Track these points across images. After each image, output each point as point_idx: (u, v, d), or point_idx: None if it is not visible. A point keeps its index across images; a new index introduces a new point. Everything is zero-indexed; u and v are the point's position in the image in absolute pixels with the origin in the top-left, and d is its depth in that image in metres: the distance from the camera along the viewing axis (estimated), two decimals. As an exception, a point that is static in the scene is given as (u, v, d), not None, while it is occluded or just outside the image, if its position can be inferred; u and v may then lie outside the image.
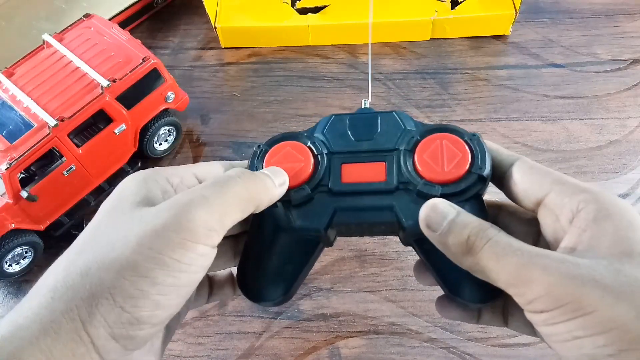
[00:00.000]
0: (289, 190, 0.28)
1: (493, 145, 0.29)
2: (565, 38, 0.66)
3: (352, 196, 0.28)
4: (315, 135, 0.30)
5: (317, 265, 0.51)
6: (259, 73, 0.65)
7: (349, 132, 0.30)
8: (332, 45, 0.66)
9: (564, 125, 0.59)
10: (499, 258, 0.23)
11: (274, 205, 0.28)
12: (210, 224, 0.24)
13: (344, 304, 0.49)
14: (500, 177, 0.28)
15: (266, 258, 0.29)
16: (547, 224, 0.26)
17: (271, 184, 0.27)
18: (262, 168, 0.29)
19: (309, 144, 0.30)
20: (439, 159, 0.27)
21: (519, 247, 0.23)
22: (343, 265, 0.51)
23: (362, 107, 0.32)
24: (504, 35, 0.66)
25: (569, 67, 0.63)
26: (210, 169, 0.29)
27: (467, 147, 0.27)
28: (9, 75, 0.52)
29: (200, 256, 0.24)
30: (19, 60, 0.53)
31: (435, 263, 0.28)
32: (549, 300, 0.22)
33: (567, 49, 0.65)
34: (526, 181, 0.26)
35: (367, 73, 0.64)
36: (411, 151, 0.28)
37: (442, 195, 0.26)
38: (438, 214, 0.25)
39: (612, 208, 0.24)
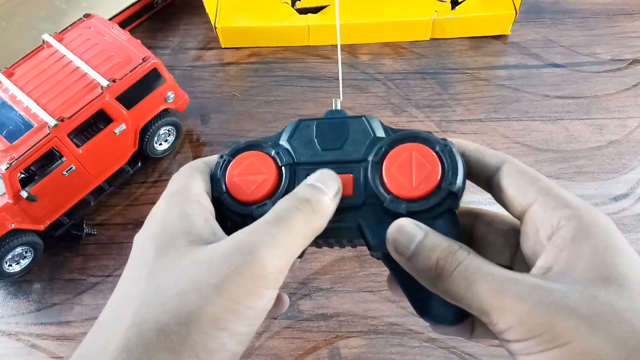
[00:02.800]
0: (251, 205, 0.27)
1: (474, 146, 0.27)
2: (565, 38, 0.66)
3: None
4: (280, 143, 0.28)
5: (317, 265, 0.51)
6: (259, 73, 0.65)
7: (316, 140, 0.28)
8: (332, 45, 0.66)
9: (564, 125, 0.59)
10: (469, 284, 0.22)
11: (239, 223, 0.26)
12: (280, 267, 0.23)
13: (344, 304, 0.49)
14: (488, 180, 0.26)
15: None
16: (528, 237, 0.25)
17: (327, 202, 0.25)
18: (225, 180, 0.28)
19: (272, 153, 0.28)
20: (407, 173, 0.26)
21: (490, 272, 0.22)
22: (343, 265, 0.51)
23: (333, 107, 0.30)
24: (504, 35, 0.66)
25: (569, 67, 0.63)
26: (206, 177, 0.28)
27: (437, 159, 0.26)
28: (9, 75, 0.52)
29: (270, 300, 0.23)
30: (19, 60, 0.53)
31: (403, 280, 0.26)
32: (522, 330, 0.21)
33: (567, 49, 0.65)
34: (513, 187, 0.25)
35: (366, 73, 0.64)
36: (379, 163, 0.27)
37: (410, 213, 0.25)
38: (405, 236, 0.24)
39: (593, 228, 0.22)
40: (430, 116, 0.60)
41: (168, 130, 0.58)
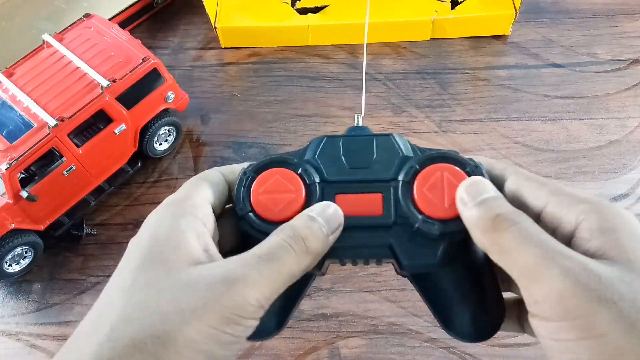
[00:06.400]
0: (279, 224, 0.26)
1: (485, 160, 0.27)
2: (565, 38, 0.66)
3: (348, 231, 0.26)
4: (306, 159, 0.28)
5: (317, 265, 0.51)
6: (259, 73, 0.65)
7: (343, 158, 0.28)
8: (332, 45, 0.66)
9: (564, 125, 0.59)
10: (520, 242, 0.22)
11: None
12: (262, 301, 0.23)
13: (344, 304, 0.49)
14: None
15: None
16: None
17: (322, 241, 0.25)
18: (250, 199, 0.27)
19: (299, 171, 0.27)
20: (439, 193, 0.26)
21: (545, 239, 0.22)
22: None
23: (355, 124, 0.30)
24: (504, 35, 0.66)
25: (569, 67, 0.63)
26: (217, 189, 0.27)
27: None
28: (9, 75, 0.52)
29: (248, 328, 0.24)
30: (19, 60, 0.53)
31: (431, 298, 0.27)
32: (558, 308, 0.20)
33: (567, 49, 0.65)
34: (523, 195, 0.25)
35: (364, 77, 0.64)
36: (410, 183, 0.26)
37: (442, 234, 0.25)
38: (476, 189, 0.24)
39: (617, 219, 0.22)
40: (430, 116, 0.60)
41: (168, 130, 0.58)
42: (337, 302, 0.49)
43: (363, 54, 0.66)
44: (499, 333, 0.47)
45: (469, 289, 0.26)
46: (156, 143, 0.57)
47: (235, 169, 0.29)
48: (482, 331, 0.26)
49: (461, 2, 0.65)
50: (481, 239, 0.24)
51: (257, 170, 0.27)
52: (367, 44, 0.66)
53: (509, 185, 0.26)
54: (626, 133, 0.58)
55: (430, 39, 0.66)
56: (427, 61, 0.65)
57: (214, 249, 0.25)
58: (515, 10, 0.63)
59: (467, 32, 0.66)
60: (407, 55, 0.65)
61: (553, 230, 0.24)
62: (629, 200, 0.54)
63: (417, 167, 0.26)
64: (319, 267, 0.27)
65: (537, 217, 0.24)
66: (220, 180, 0.28)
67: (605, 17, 0.67)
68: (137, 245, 0.25)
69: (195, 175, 0.28)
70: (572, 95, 0.61)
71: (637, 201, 0.54)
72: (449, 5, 0.65)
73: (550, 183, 0.25)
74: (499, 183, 0.26)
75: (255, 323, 0.24)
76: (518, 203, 0.25)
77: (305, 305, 0.49)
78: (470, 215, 0.24)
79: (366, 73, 0.64)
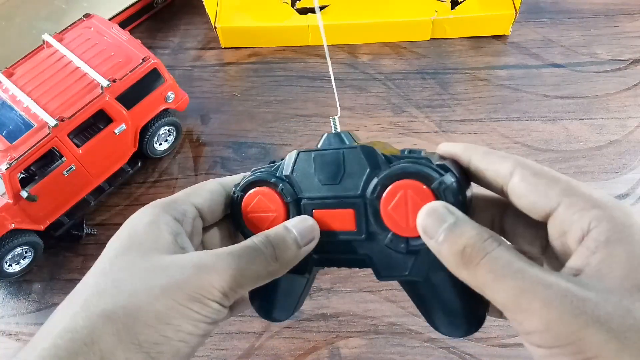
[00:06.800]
0: None
1: (482, 151, 0.26)
2: (565, 38, 0.66)
3: (326, 244, 0.28)
4: (284, 176, 0.29)
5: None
6: (259, 73, 0.65)
7: (316, 174, 0.28)
8: (332, 45, 0.66)
9: (564, 125, 0.59)
10: (496, 277, 0.21)
11: None
12: (225, 290, 0.25)
13: (344, 304, 0.49)
14: (502, 187, 0.25)
15: (272, 286, 0.30)
16: (555, 238, 0.23)
17: (292, 252, 0.27)
18: (242, 218, 0.30)
19: (279, 189, 0.29)
20: (402, 212, 0.26)
21: (520, 269, 0.21)
22: (343, 265, 0.51)
23: (333, 129, 0.30)
24: (504, 35, 0.66)
25: (569, 67, 0.63)
26: (210, 197, 0.30)
27: (433, 197, 0.25)
28: (9, 75, 0.52)
29: (215, 311, 0.26)
30: (19, 60, 0.53)
31: (416, 299, 0.28)
32: (548, 337, 0.20)
33: (567, 49, 0.65)
34: (531, 192, 0.23)
35: (366, 73, 0.64)
36: (376, 200, 0.26)
37: (410, 252, 0.26)
38: (435, 220, 0.23)
39: (628, 230, 0.21)
40: (430, 116, 0.60)
41: (168, 130, 0.58)
42: (337, 302, 0.49)
43: (363, 53, 0.66)
44: (499, 333, 0.47)
45: (448, 289, 0.26)
46: (156, 143, 0.57)
47: (237, 179, 0.31)
48: (467, 327, 0.26)
49: (461, 2, 0.65)
50: (457, 274, 0.23)
51: (244, 189, 0.30)
52: (366, 43, 0.66)
53: (514, 183, 0.24)
54: (626, 133, 0.58)
55: (430, 39, 0.66)
56: (427, 61, 0.65)
57: (190, 248, 0.27)
58: (515, 10, 0.63)
59: (467, 32, 0.66)
60: (407, 55, 0.65)
61: (562, 234, 0.23)
62: (629, 200, 0.54)
63: (382, 185, 0.26)
64: (310, 272, 0.29)
65: (548, 216, 0.23)
66: (216, 189, 0.30)
67: (605, 17, 0.67)
68: (117, 237, 0.27)
69: (194, 175, 0.30)
70: (572, 95, 0.61)
71: (637, 201, 0.54)
72: (449, 5, 0.65)
73: (562, 180, 0.23)
74: (502, 180, 0.25)
75: (220, 307, 0.26)
76: (526, 202, 0.24)
77: (306, 305, 0.49)
78: (437, 250, 0.23)
79: (365, 72, 0.64)
